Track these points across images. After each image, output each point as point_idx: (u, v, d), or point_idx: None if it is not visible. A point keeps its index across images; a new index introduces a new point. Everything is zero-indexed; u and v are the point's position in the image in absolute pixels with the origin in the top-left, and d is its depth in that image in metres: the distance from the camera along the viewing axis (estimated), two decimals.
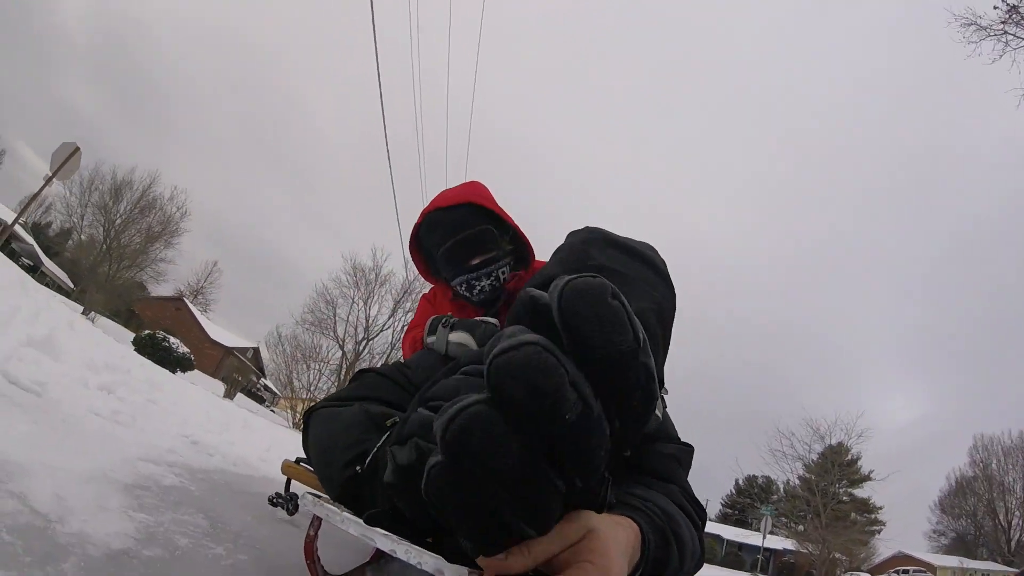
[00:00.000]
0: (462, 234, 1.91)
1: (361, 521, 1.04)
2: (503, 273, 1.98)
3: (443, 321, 1.68)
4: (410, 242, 2.10)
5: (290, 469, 1.56)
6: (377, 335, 29.01)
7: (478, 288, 1.95)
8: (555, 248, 1.46)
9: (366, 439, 1.07)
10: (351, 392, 1.35)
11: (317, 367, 27.81)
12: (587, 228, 1.40)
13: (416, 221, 2.02)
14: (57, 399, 2.49)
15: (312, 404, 1.40)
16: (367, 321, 29.42)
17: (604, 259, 1.24)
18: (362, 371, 1.49)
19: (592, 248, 1.28)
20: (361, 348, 28.66)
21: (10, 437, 1.68)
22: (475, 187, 2.03)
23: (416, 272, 2.29)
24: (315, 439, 1.24)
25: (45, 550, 1.16)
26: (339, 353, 28.62)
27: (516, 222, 2.03)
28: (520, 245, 2.06)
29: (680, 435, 1.77)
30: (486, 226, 1.94)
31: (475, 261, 1.93)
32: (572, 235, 1.42)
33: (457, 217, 1.92)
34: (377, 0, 7.04)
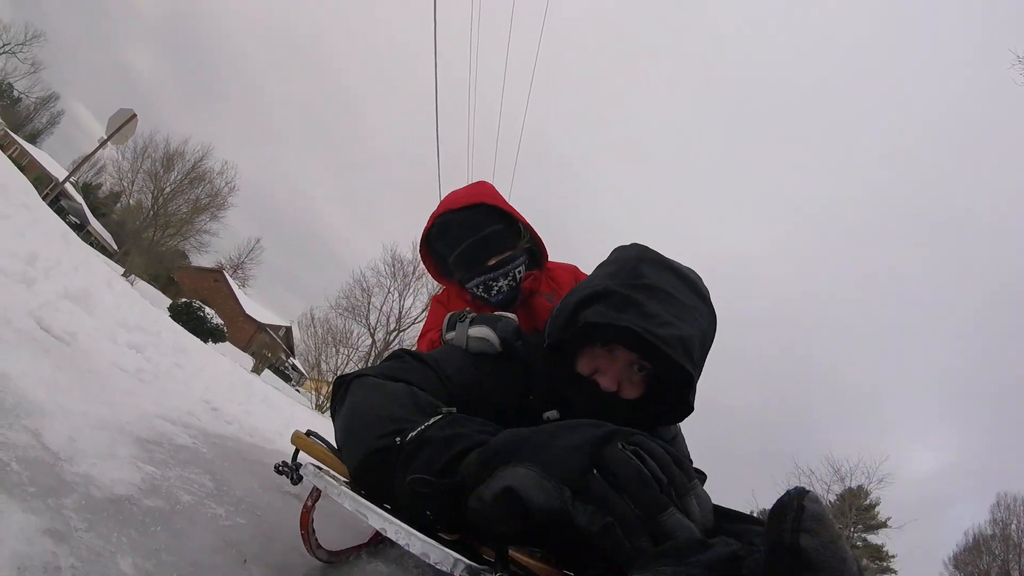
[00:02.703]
0: (477, 235, 1.90)
1: (357, 496, 1.05)
2: (519, 272, 1.96)
3: (461, 316, 1.68)
4: (420, 245, 2.09)
5: (300, 440, 1.58)
6: (409, 327, 29.10)
7: (496, 289, 1.93)
8: (600, 261, 1.46)
9: (410, 418, 1.07)
10: (393, 371, 1.34)
11: (346, 352, 28.05)
12: (637, 245, 1.40)
13: (426, 224, 2.01)
14: (85, 350, 2.55)
15: (353, 372, 1.40)
16: (400, 312, 29.54)
17: (657, 280, 1.25)
18: (402, 352, 1.49)
19: (645, 266, 1.29)
20: (391, 338, 28.77)
21: (33, 378, 1.73)
22: (484, 187, 2.01)
23: None
24: (357, 403, 1.23)
25: (50, 484, 1.19)
26: (369, 341, 28.81)
27: (528, 220, 2.01)
28: (533, 243, 2.04)
29: (698, 460, 1.76)
30: (499, 226, 1.92)
31: (491, 262, 1.91)
32: (621, 250, 1.42)
33: (469, 218, 1.91)
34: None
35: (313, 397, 22.56)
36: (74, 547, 1.03)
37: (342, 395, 1.33)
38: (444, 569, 0.86)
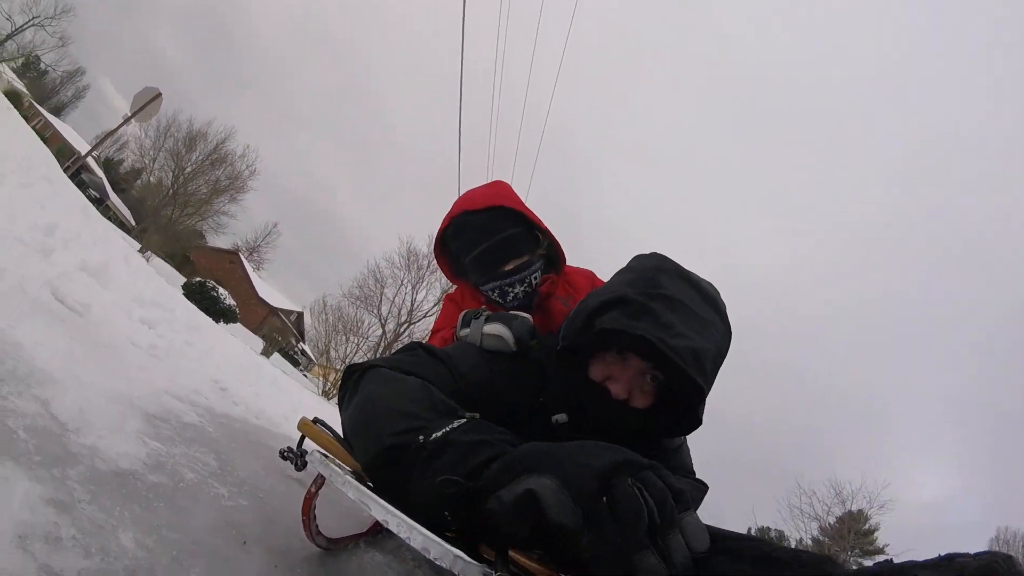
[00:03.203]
0: (493, 239, 1.87)
1: (360, 486, 1.05)
2: (535, 278, 1.93)
3: (476, 314, 1.66)
4: (435, 244, 2.06)
5: (306, 427, 1.57)
6: (420, 320, 29.18)
7: (512, 294, 1.90)
8: (619, 269, 1.45)
9: (426, 416, 1.09)
10: (406, 364, 1.34)
11: (356, 341, 28.17)
12: (657, 255, 1.40)
13: (442, 224, 1.98)
14: (98, 323, 2.56)
15: (365, 361, 1.39)
16: (412, 305, 29.61)
17: (675, 290, 1.25)
18: (416, 345, 1.49)
19: (663, 276, 1.29)
20: (402, 330, 28.87)
21: (46, 348, 1.73)
22: (502, 188, 1.97)
23: None
24: (370, 395, 1.23)
25: (56, 454, 1.19)
26: (380, 331, 28.92)
27: (545, 224, 1.98)
28: (550, 247, 2.02)
29: (699, 471, 1.75)
30: (517, 230, 1.89)
31: (508, 267, 1.88)
32: (641, 259, 1.42)
33: (486, 221, 1.88)
34: None
35: (320, 383, 22.66)
36: (76, 518, 1.03)
37: (353, 385, 1.32)
38: (443, 565, 0.85)
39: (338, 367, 25.83)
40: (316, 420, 1.61)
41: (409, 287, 29.91)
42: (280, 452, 1.72)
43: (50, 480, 1.10)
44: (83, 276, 3.19)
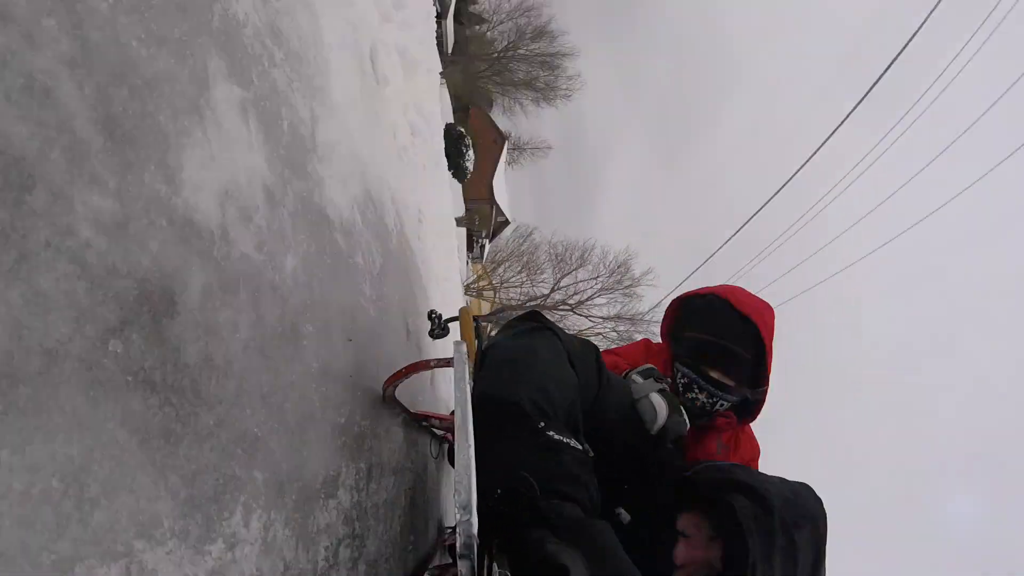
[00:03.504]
0: (725, 344, 1.79)
1: (469, 400, 1.06)
2: (720, 405, 1.83)
3: (659, 377, 1.62)
4: (679, 299, 2.01)
5: (466, 315, 1.61)
6: (579, 318, 28.68)
7: (692, 396, 1.82)
8: (787, 477, 1.38)
9: (558, 413, 1.10)
10: (577, 354, 1.33)
11: (521, 280, 28.60)
12: (822, 505, 1.33)
13: (701, 289, 1.93)
14: (384, 99, 2.77)
15: (551, 322, 1.42)
16: (583, 301, 29.19)
17: (803, 548, 1.20)
18: (594, 348, 1.48)
19: (805, 530, 1.23)
20: (559, 310, 28.71)
21: (342, 83, 1.89)
22: (770, 315, 1.88)
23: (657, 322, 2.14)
24: (538, 353, 1.23)
25: (296, 161, 1.28)
26: (543, 292, 29.01)
27: (772, 373, 1.86)
28: (756, 397, 1.90)
29: None
30: (749, 357, 1.80)
31: (713, 374, 1.80)
32: (809, 494, 1.34)
33: (734, 325, 1.79)
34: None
35: (470, 278, 23.40)
36: (272, 216, 1.13)
37: (529, 331, 1.33)
38: (458, 516, 0.83)
39: (493, 281, 26.52)
40: (476, 319, 1.65)
41: (598, 287, 29.50)
42: (429, 312, 1.78)
43: (279, 175, 1.20)
44: (397, 57, 3.44)
